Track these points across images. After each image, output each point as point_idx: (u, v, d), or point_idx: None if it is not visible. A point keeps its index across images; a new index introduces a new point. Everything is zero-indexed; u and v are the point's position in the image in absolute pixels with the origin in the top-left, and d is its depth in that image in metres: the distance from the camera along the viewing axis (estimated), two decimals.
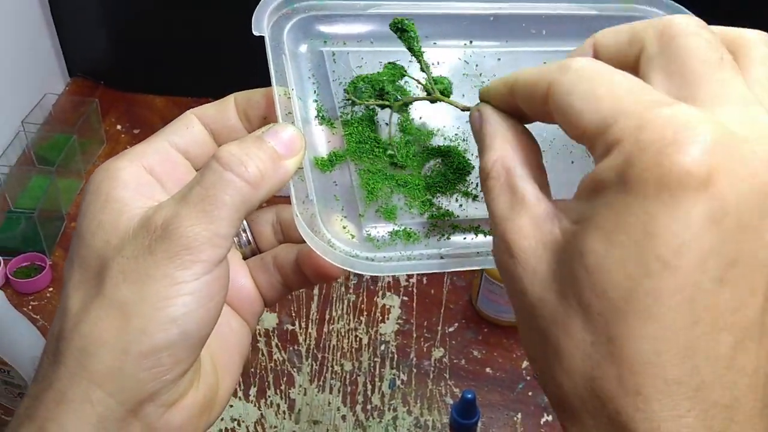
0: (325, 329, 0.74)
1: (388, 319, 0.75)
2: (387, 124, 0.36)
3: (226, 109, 0.34)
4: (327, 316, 0.75)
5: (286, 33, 0.39)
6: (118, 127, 1.00)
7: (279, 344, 0.73)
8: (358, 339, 0.73)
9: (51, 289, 0.77)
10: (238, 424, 0.66)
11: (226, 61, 1.02)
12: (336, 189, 0.33)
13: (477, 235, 0.34)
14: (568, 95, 0.23)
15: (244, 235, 0.35)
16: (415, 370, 0.71)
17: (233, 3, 0.95)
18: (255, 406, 0.68)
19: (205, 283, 0.27)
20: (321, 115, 0.36)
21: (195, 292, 0.26)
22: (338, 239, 0.32)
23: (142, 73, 1.04)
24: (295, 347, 0.72)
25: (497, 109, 0.28)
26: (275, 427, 0.66)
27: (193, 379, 0.29)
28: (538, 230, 0.24)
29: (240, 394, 0.69)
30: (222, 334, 0.31)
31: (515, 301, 0.25)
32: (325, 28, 0.39)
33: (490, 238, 0.30)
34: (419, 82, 0.34)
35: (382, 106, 0.35)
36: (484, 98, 0.29)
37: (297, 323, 0.74)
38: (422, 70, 0.34)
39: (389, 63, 0.35)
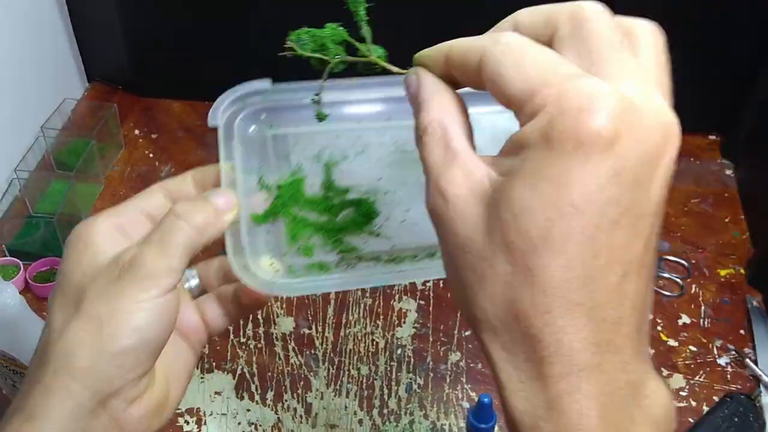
0: (342, 333, 0.74)
1: (404, 322, 0.75)
2: (319, 119, 0.45)
3: (185, 182, 0.42)
4: (344, 320, 0.75)
5: (238, 121, 0.50)
6: (136, 131, 1.01)
7: (296, 348, 0.73)
8: (374, 343, 0.73)
9: None
10: (255, 428, 0.66)
11: (242, 67, 1.02)
12: (267, 236, 0.44)
13: (377, 263, 0.44)
14: (498, 65, 0.27)
15: (194, 281, 0.43)
16: (431, 374, 0.71)
17: (250, 9, 0.95)
18: (272, 410, 0.68)
19: (160, 304, 0.35)
20: (262, 182, 0.47)
21: (152, 309, 0.34)
22: (265, 273, 0.41)
23: (159, 78, 1.05)
24: (312, 351, 0.73)
25: (432, 74, 0.32)
26: (292, 431, 0.66)
27: (149, 383, 0.36)
28: (469, 180, 0.28)
29: (257, 398, 0.69)
30: (173, 355, 0.39)
31: (447, 241, 0.29)
32: (270, 116, 0.51)
33: (388, 266, 0.42)
34: (357, 47, 0.38)
35: (321, 61, 0.39)
36: (419, 63, 0.33)
37: (314, 327, 0.75)
38: (362, 36, 0.38)
39: (331, 23, 0.40)
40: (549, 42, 0.29)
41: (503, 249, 0.27)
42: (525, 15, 0.30)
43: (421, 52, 0.33)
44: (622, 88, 0.26)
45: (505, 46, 0.28)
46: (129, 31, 0.99)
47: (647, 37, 0.31)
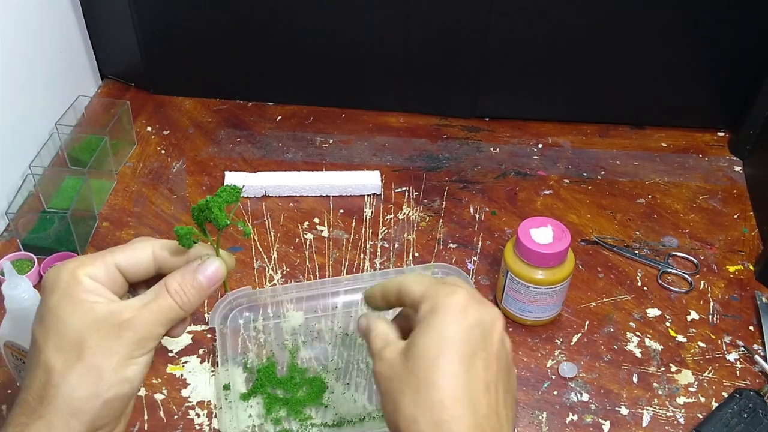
0: (351, 328, 0.75)
1: None
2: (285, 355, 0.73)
3: (173, 248, 0.47)
4: (353, 313, 0.76)
5: (230, 319, 0.74)
6: (149, 128, 1.02)
7: (305, 341, 0.73)
8: None
9: None
10: (265, 421, 0.67)
11: (253, 65, 1.03)
12: (250, 409, 0.67)
13: (325, 428, 0.66)
14: (408, 284, 0.49)
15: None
16: None
17: (261, 8, 0.96)
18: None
19: (145, 359, 0.44)
20: (246, 365, 0.71)
21: (140, 364, 0.43)
22: None
23: (172, 75, 1.06)
24: (322, 345, 0.73)
25: (373, 311, 0.54)
26: (301, 423, 0.67)
27: (123, 416, 0.45)
28: (395, 349, 0.47)
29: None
30: None
31: (383, 379, 0.46)
32: (252, 313, 0.76)
33: (333, 430, 0.66)
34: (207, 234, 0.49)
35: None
36: (367, 300, 0.54)
37: (323, 321, 0.75)
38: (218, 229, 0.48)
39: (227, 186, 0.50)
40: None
41: (411, 373, 0.44)
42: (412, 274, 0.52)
43: (366, 292, 0.54)
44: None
45: (407, 276, 0.50)
46: (142, 30, 1.00)
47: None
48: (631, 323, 0.77)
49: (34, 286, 0.59)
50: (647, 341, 0.75)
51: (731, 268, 0.83)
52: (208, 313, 0.74)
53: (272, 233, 0.86)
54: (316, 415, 0.67)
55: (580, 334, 0.76)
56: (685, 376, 0.72)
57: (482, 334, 0.45)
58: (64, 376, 0.41)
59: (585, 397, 0.70)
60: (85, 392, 0.41)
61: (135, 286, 0.48)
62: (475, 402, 0.43)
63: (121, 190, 0.91)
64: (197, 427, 0.67)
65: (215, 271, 0.47)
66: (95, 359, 0.41)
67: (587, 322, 0.77)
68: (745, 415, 0.67)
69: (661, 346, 0.75)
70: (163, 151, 0.98)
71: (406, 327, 0.50)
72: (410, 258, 0.84)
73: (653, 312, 0.78)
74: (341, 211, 0.90)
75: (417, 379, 0.44)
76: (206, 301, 0.76)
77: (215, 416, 0.67)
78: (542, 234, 0.71)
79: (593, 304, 0.79)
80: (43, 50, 0.93)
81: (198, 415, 0.68)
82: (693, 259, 0.84)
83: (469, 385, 0.43)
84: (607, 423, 0.68)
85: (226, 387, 0.69)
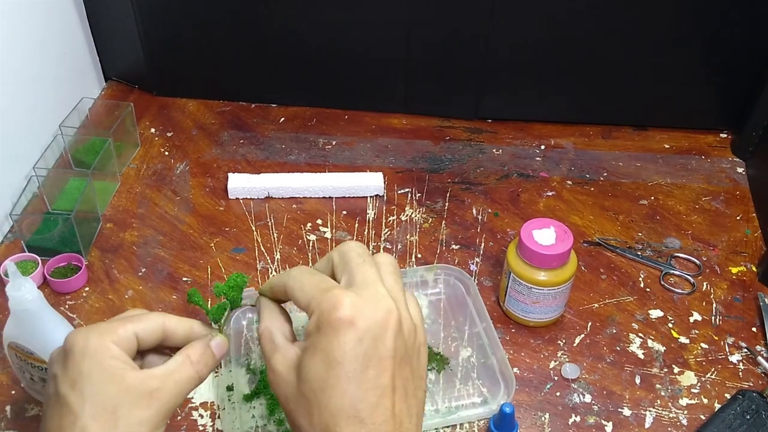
0: None
1: None
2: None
3: (184, 326, 0.51)
4: None
5: (233, 320, 0.75)
6: (152, 130, 1.02)
7: None
8: None
9: (87, 288, 0.79)
10: (268, 422, 0.67)
11: (255, 67, 1.03)
12: (253, 410, 0.68)
13: None
14: (293, 289, 0.47)
15: None
16: (443, 369, 0.71)
17: (263, 10, 0.96)
18: None
19: (164, 427, 0.47)
20: (249, 366, 0.72)
21: (163, 427, 0.47)
22: None
23: (175, 77, 1.06)
24: None
25: (267, 299, 0.51)
26: None
27: None
28: (285, 359, 0.46)
29: (271, 392, 0.70)
30: None
31: (280, 396, 0.46)
32: (254, 314, 0.75)
33: None
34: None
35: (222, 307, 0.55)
36: (261, 292, 0.52)
37: None
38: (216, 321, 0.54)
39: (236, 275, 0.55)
40: (332, 270, 0.49)
41: (304, 397, 0.44)
42: (319, 262, 0.50)
43: (261, 286, 0.52)
44: (360, 290, 0.45)
45: (293, 277, 0.48)
46: (146, 32, 1.00)
47: (385, 260, 0.48)
48: (633, 324, 0.77)
49: (38, 287, 0.59)
50: (650, 342, 0.75)
51: (734, 270, 0.83)
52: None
53: (275, 235, 0.86)
54: None
55: (582, 336, 0.76)
56: (688, 378, 0.72)
57: (372, 341, 0.43)
58: None
59: (588, 398, 0.70)
60: None
61: (144, 353, 0.51)
62: (370, 414, 0.43)
63: (124, 192, 0.92)
64: (200, 428, 0.67)
65: (224, 345, 0.52)
66: (129, 428, 0.45)
67: (590, 324, 0.77)
68: (748, 417, 0.67)
69: (664, 348, 0.75)
70: (166, 153, 0.98)
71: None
72: (413, 259, 0.84)
73: (656, 313, 0.78)
74: (344, 212, 0.90)
75: (310, 404, 0.43)
76: (209, 301, 0.77)
77: (218, 417, 0.68)
78: (545, 235, 0.71)
79: (596, 305, 0.79)
80: (48, 52, 0.93)
81: (201, 416, 0.68)
82: (695, 260, 0.84)
83: (362, 399, 0.42)
84: (610, 424, 0.68)
85: (230, 388, 0.69)
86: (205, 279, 0.80)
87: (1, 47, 0.83)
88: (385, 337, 0.44)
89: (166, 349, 0.52)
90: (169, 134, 1.01)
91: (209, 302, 0.75)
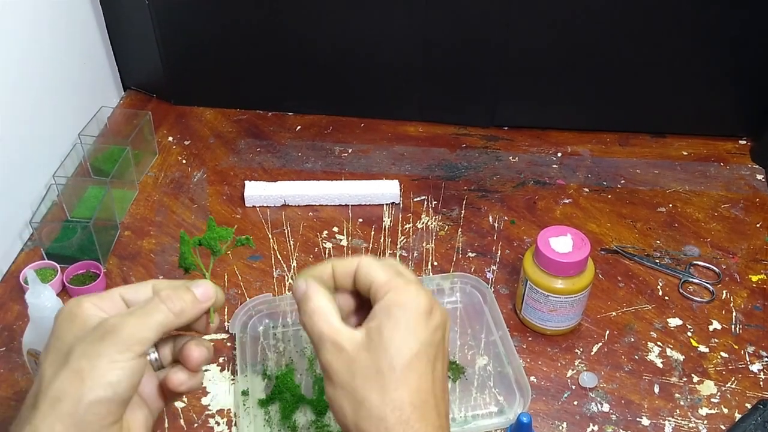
0: None
1: None
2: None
3: (177, 290, 0.48)
4: None
5: (249, 327, 0.75)
6: (170, 138, 1.03)
7: None
8: None
9: None
10: (285, 428, 0.67)
11: (272, 76, 1.04)
12: (268, 415, 0.68)
13: None
14: (369, 267, 0.47)
15: (154, 355, 0.49)
16: (459, 378, 0.71)
17: (280, 19, 0.97)
18: (301, 410, 0.69)
19: (132, 365, 0.42)
20: (265, 372, 0.71)
21: (125, 369, 0.42)
22: None
23: (192, 86, 1.07)
24: None
25: (316, 283, 0.48)
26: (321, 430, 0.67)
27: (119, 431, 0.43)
28: (352, 338, 0.45)
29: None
30: (136, 412, 0.47)
31: (343, 374, 0.45)
32: (272, 320, 0.76)
33: None
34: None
35: None
36: (307, 275, 0.49)
37: None
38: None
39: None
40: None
41: (380, 372, 0.43)
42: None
43: (306, 270, 0.50)
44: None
45: (369, 258, 0.48)
46: (164, 42, 1.01)
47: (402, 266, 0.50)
48: (652, 333, 0.76)
49: (57, 295, 0.60)
50: (669, 351, 0.74)
51: (754, 278, 0.82)
52: (228, 321, 0.75)
53: (291, 242, 0.87)
54: (332, 422, 0.67)
55: (600, 344, 0.75)
56: (708, 387, 0.71)
57: (441, 336, 0.46)
58: (51, 381, 0.42)
59: (606, 407, 0.69)
60: (68, 396, 0.41)
61: None
62: (438, 404, 0.45)
63: (142, 200, 0.92)
64: None
65: (206, 287, 0.48)
66: (79, 363, 0.42)
67: (607, 332, 0.76)
68: None
69: (683, 357, 0.74)
70: (184, 161, 0.99)
71: (344, 306, 0.49)
72: (429, 267, 0.84)
73: (675, 322, 0.78)
74: (360, 220, 0.90)
75: (386, 377, 0.43)
76: (226, 309, 0.77)
77: (235, 425, 0.68)
78: (562, 243, 0.71)
79: (613, 313, 0.78)
80: (68, 63, 0.94)
81: (218, 423, 0.68)
82: (715, 268, 0.83)
83: (434, 387, 0.45)
84: None
85: (245, 393, 0.69)
86: (222, 286, 0.81)
87: (23, 58, 0.84)
88: (446, 336, 0.47)
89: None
90: (186, 142, 1.02)
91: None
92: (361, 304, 0.50)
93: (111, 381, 0.42)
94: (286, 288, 0.81)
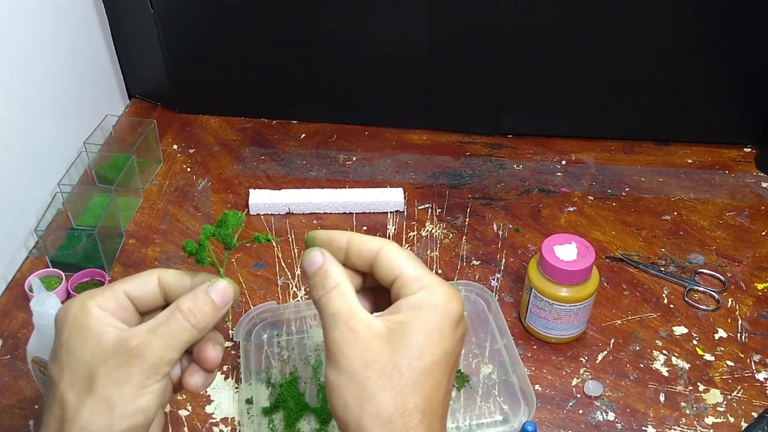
0: None
1: None
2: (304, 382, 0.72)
3: (181, 279, 0.47)
4: None
5: (253, 335, 0.74)
6: (175, 146, 1.03)
7: None
8: None
9: None
10: None
11: (277, 84, 1.04)
12: (272, 423, 0.67)
13: None
14: (396, 255, 0.44)
15: None
16: (463, 386, 0.71)
17: (284, 28, 0.97)
18: (305, 419, 0.69)
19: (159, 386, 0.42)
20: (269, 380, 0.71)
21: (154, 392, 0.42)
22: None
23: (197, 95, 1.07)
24: None
25: (331, 256, 0.45)
26: None
27: None
28: (370, 327, 0.42)
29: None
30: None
31: (349, 362, 0.41)
32: (275, 328, 0.75)
33: None
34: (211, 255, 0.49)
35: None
36: (317, 240, 0.46)
37: None
38: (226, 248, 0.49)
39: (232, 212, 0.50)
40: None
41: (397, 369, 0.41)
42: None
43: (316, 232, 0.47)
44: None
45: (394, 245, 0.45)
46: (168, 51, 1.02)
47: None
48: (657, 341, 0.76)
49: (61, 303, 0.60)
50: (674, 360, 0.74)
51: (759, 286, 0.82)
52: (233, 329, 0.75)
53: (296, 250, 0.87)
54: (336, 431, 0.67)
55: (605, 352, 0.75)
56: (714, 396, 0.71)
57: (461, 348, 0.44)
58: (78, 410, 0.40)
59: (611, 416, 0.69)
60: (98, 426, 0.40)
61: (146, 315, 0.47)
62: (443, 417, 0.43)
63: (147, 208, 0.92)
64: None
65: (225, 290, 0.46)
66: (106, 391, 0.40)
67: (612, 340, 0.76)
68: None
69: (689, 365, 0.74)
70: (188, 169, 0.99)
71: (355, 284, 0.46)
72: None
73: (680, 330, 0.77)
74: (365, 228, 0.90)
75: (403, 377, 0.41)
76: (230, 316, 0.77)
77: (239, 431, 0.68)
78: (566, 251, 0.70)
79: (618, 321, 0.78)
80: (73, 71, 0.95)
81: (222, 431, 0.68)
82: (720, 276, 0.83)
83: (444, 398, 0.43)
84: None
85: (249, 401, 0.69)
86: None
87: (29, 67, 0.85)
88: (462, 349, 0.45)
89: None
90: (191, 151, 1.02)
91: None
92: (364, 286, 0.47)
93: (141, 407, 0.41)
94: (291, 296, 0.81)
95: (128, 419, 0.40)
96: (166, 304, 0.46)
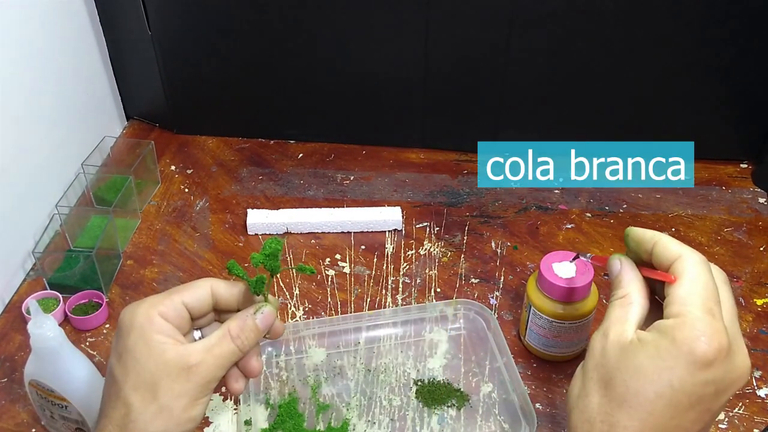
0: (374, 364, 0.74)
1: (435, 353, 0.75)
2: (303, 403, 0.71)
3: (233, 288, 0.54)
4: (375, 351, 0.76)
5: None
6: (172, 167, 1.03)
7: (327, 378, 0.73)
8: (406, 373, 0.73)
9: (107, 326, 0.79)
10: None
11: (274, 104, 1.04)
12: None
13: None
14: (695, 284, 0.46)
15: (198, 335, 0.55)
16: (464, 406, 0.71)
17: (281, 49, 0.98)
18: None
19: (208, 398, 0.50)
20: (268, 401, 0.71)
21: (204, 403, 0.50)
22: None
23: (195, 116, 1.08)
24: (344, 382, 0.73)
25: (631, 262, 0.51)
26: None
27: None
28: (619, 334, 0.46)
29: (290, 428, 0.69)
30: None
31: (593, 359, 0.46)
32: (273, 349, 0.76)
33: None
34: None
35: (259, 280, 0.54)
36: (630, 236, 0.52)
37: (345, 358, 0.75)
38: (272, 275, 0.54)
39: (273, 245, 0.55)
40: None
41: (612, 389, 0.44)
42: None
43: (630, 229, 0.52)
44: (730, 332, 0.43)
45: (694, 261, 0.48)
46: (166, 72, 1.02)
47: (725, 287, 0.47)
48: None
49: (59, 324, 0.59)
50: None
51: (759, 301, 0.82)
52: None
53: (294, 270, 0.86)
54: None
55: None
56: None
57: (715, 395, 0.43)
58: (142, 413, 0.47)
59: None
60: (157, 428, 0.47)
61: (197, 320, 0.54)
62: None
63: (145, 229, 0.92)
64: None
65: (269, 316, 0.53)
66: (167, 401, 0.48)
67: None
68: None
69: None
70: (186, 190, 0.99)
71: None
72: (432, 294, 0.83)
73: None
74: (362, 247, 0.90)
75: (614, 391, 0.44)
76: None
77: None
78: (565, 268, 0.70)
79: None
80: (71, 93, 0.95)
81: None
82: None
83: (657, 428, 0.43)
84: None
85: (248, 423, 0.68)
86: None
87: (27, 88, 0.85)
88: (725, 394, 0.43)
89: (225, 314, 0.55)
90: (189, 171, 1.02)
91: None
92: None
93: (194, 416, 0.49)
94: (289, 316, 0.81)
95: (182, 425, 0.48)
96: (215, 310, 0.54)
